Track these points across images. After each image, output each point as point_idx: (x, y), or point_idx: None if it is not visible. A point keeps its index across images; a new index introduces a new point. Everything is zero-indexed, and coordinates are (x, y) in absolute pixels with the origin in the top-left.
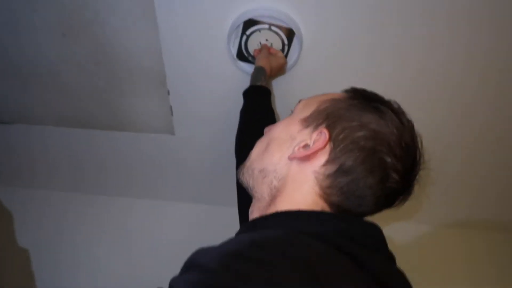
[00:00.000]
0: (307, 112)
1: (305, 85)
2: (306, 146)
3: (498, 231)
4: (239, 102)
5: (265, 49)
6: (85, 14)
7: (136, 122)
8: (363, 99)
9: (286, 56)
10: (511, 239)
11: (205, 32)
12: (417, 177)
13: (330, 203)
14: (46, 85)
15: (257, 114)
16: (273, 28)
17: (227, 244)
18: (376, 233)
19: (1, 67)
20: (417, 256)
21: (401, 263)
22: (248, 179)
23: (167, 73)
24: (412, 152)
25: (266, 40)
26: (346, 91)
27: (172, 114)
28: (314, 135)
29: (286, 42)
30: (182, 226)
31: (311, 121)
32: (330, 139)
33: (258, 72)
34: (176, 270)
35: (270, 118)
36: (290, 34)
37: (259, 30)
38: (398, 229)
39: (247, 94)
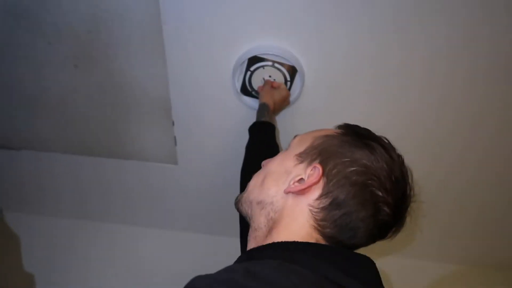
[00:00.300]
0: (302, 148)
1: (306, 119)
2: (301, 180)
3: (493, 268)
4: (242, 134)
5: (268, 84)
6: (97, 47)
7: (141, 151)
8: (355, 136)
9: (289, 90)
10: (505, 276)
11: (211, 67)
12: (408, 209)
13: (324, 235)
14: (56, 113)
15: (261, 149)
16: (276, 65)
17: (223, 272)
18: (368, 266)
19: (14, 97)
20: None
21: None
22: (247, 209)
23: (173, 104)
24: (402, 186)
25: (270, 76)
26: (340, 127)
27: (176, 144)
28: (309, 170)
29: (288, 78)
30: (183, 255)
31: (305, 157)
32: (323, 174)
33: (262, 109)
34: None
35: (274, 152)
36: (292, 71)
37: (263, 66)
38: (393, 263)
39: (251, 130)
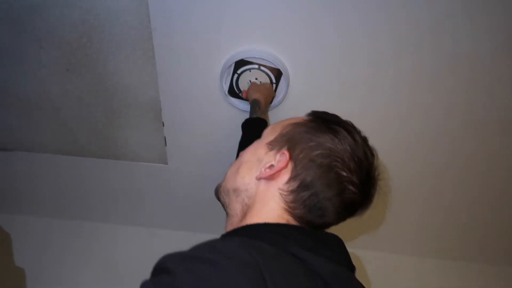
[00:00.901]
0: (272, 136)
1: None
2: (271, 166)
3: (468, 261)
4: (230, 134)
5: (254, 84)
6: (89, 52)
7: (131, 152)
8: (320, 121)
9: (274, 92)
10: (480, 269)
11: (199, 70)
12: (374, 187)
13: (295, 216)
14: (48, 116)
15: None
16: (262, 68)
17: (191, 249)
18: (335, 244)
19: (7, 99)
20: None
21: None
22: (224, 198)
23: (163, 106)
24: (366, 166)
25: (256, 78)
26: (308, 114)
27: (165, 145)
28: (278, 156)
29: (274, 81)
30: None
31: (275, 144)
32: (291, 159)
33: (254, 105)
34: None
35: None
36: (278, 74)
37: (249, 69)
38: (371, 258)
39: (244, 126)
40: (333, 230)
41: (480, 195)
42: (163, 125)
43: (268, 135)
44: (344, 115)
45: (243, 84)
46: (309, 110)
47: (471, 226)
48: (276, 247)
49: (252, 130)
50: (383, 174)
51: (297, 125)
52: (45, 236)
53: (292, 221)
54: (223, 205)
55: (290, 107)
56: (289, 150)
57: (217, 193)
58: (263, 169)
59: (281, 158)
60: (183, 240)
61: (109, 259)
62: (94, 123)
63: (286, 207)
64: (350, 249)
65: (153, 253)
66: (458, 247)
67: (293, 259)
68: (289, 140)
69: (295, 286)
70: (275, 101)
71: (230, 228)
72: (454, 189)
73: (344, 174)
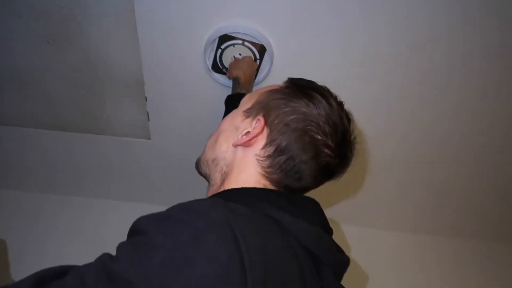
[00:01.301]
0: (249, 104)
1: None
2: (247, 133)
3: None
4: (213, 109)
5: (234, 61)
6: (70, 25)
7: (114, 127)
8: (295, 87)
9: (258, 69)
10: (456, 244)
11: (183, 45)
12: (351, 151)
13: (272, 181)
14: (28, 90)
15: None
16: (246, 43)
17: (164, 211)
18: (311, 206)
19: None
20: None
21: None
22: (205, 169)
23: (146, 81)
24: (341, 129)
25: (240, 54)
26: (285, 82)
27: (149, 120)
28: (254, 123)
29: (258, 56)
30: None
31: (251, 112)
32: (266, 124)
33: (234, 82)
34: None
35: None
36: (262, 49)
37: (233, 45)
38: (353, 232)
39: (226, 102)
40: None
41: (458, 169)
42: (146, 100)
43: (245, 103)
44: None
45: (227, 60)
46: None
47: (450, 201)
48: (251, 207)
49: (233, 105)
50: (359, 137)
51: (272, 92)
52: (28, 210)
53: (270, 186)
54: (205, 177)
55: (274, 83)
56: (264, 116)
57: (198, 166)
58: (239, 136)
59: (256, 125)
60: None
61: (92, 233)
62: (77, 97)
63: (263, 172)
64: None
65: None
66: (436, 222)
67: (267, 219)
68: (265, 107)
69: (267, 244)
70: (259, 77)
71: (209, 195)
72: (433, 164)
73: (319, 137)
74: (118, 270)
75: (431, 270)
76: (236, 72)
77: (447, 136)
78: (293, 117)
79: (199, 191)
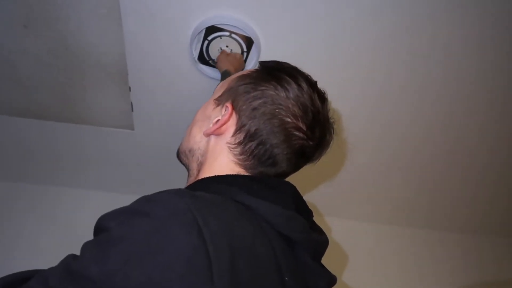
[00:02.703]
0: (220, 92)
1: None
2: (217, 121)
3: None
4: (199, 102)
5: (223, 53)
6: (49, 8)
7: (96, 117)
8: (264, 71)
9: (245, 61)
10: (440, 236)
11: (168, 34)
12: (325, 131)
13: (246, 168)
14: (4, 75)
15: None
16: (233, 35)
17: (127, 205)
18: (285, 188)
19: None
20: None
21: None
22: (185, 159)
23: (129, 70)
24: (312, 111)
25: (227, 46)
26: (257, 66)
27: (132, 110)
28: (223, 111)
29: (245, 49)
30: None
31: (221, 99)
32: (234, 110)
33: (223, 76)
34: None
35: None
36: (249, 42)
37: (220, 36)
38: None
39: None
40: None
41: (450, 163)
42: (130, 90)
43: (217, 91)
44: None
45: (213, 51)
46: None
47: (442, 194)
48: (220, 195)
49: None
50: (333, 117)
51: (242, 77)
52: (4, 200)
53: (244, 173)
54: (186, 168)
55: None
56: (232, 102)
57: (178, 156)
58: (210, 125)
59: (224, 112)
60: None
61: (73, 224)
62: (55, 84)
63: (236, 160)
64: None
65: None
66: (414, 214)
67: (236, 204)
68: (233, 93)
69: (234, 229)
70: (245, 70)
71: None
72: (415, 152)
73: (289, 120)
74: (79, 269)
75: (425, 265)
76: (227, 65)
77: (434, 127)
78: (260, 101)
79: (182, 182)
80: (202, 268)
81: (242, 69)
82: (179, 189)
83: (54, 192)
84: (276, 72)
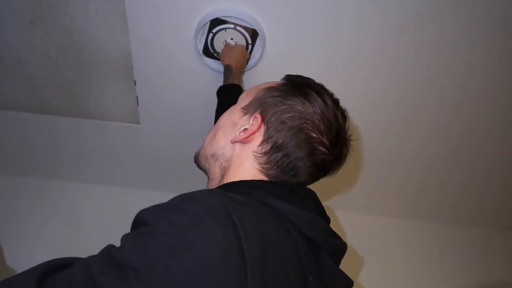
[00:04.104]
0: (247, 101)
1: (266, 80)
2: (245, 130)
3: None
4: (203, 95)
5: (227, 47)
6: (55, 4)
7: (102, 111)
8: (292, 85)
9: (250, 54)
10: (437, 229)
11: (173, 27)
12: (345, 148)
13: (269, 176)
14: (12, 71)
15: None
16: (238, 28)
17: (165, 202)
18: (306, 194)
19: None
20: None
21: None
22: (204, 164)
23: (135, 64)
24: (335, 127)
25: (231, 38)
26: (282, 79)
27: (138, 104)
28: (251, 120)
29: (250, 41)
30: None
31: (249, 108)
32: (263, 122)
33: (226, 71)
34: None
35: None
36: (254, 34)
37: (225, 29)
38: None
39: (219, 93)
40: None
41: (458, 156)
42: (135, 84)
43: (243, 99)
44: (319, 77)
45: (218, 44)
46: (285, 72)
47: (449, 187)
48: (248, 196)
49: (227, 97)
50: (354, 134)
51: (270, 89)
52: (9, 194)
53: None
54: (203, 171)
55: (266, 68)
56: (261, 113)
57: (197, 160)
58: (237, 133)
59: (254, 122)
60: (154, 200)
61: (78, 217)
62: (61, 79)
63: (260, 168)
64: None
65: (124, 212)
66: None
67: (262, 205)
68: (262, 104)
69: (264, 228)
70: (250, 62)
71: None
72: (420, 146)
73: (314, 135)
74: (123, 258)
75: (431, 257)
76: (228, 59)
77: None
78: (289, 115)
79: (189, 177)
80: (237, 263)
81: (247, 61)
82: (213, 189)
83: (59, 186)
84: (304, 88)
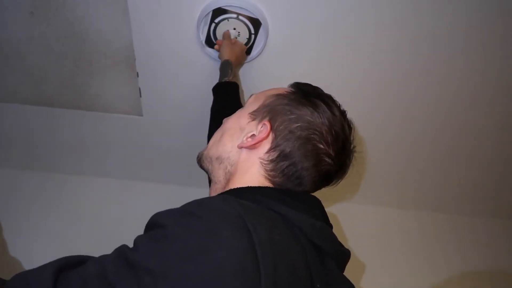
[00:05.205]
0: (255, 106)
1: (269, 71)
2: (253, 136)
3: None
4: (206, 85)
5: (227, 40)
6: None
7: (104, 103)
8: (301, 94)
9: (252, 44)
10: (437, 218)
11: (175, 17)
12: (349, 159)
13: (274, 184)
14: (13, 63)
15: (225, 111)
16: (240, 17)
17: (179, 207)
18: (312, 202)
19: None
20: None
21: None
22: (208, 165)
23: (137, 55)
24: (342, 139)
25: (234, 28)
26: (291, 86)
27: (140, 96)
28: (259, 127)
29: (253, 31)
30: (147, 205)
31: (257, 114)
32: (271, 130)
33: (225, 66)
34: None
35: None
36: (257, 24)
37: (227, 19)
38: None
39: (215, 90)
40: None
41: (458, 144)
42: (138, 76)
43: (251, 104)
44: (321, 67)
45: (221, 34)
46: (287, 62)
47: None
48: (257, 203)
49: (224, 95)
50: (358, 147)
51: (279, 96)
52: (10, 187)
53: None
54: (206, 172)
55: (268, 58)
56: (270, 121)
57: (200, 161)
58: (244, 139)
59: (262, 129)
60: (156, 192)
61: (81, 210)
62: (62, 71)
63: (266, 175)
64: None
65: (126, 204)
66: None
67: (273, 213)
68: (271, 111)
69: (275, 236)
70: (253, 52)
71: (214, 194)
72: (418, 135)
73: (321, 146)
74: (138, 259)
75: (432, 247)
76: (230, 55)
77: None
78: (298, 124)
79: (191, 169)
80: (251, 269)
81: (245, 58)
82: (226, 196)
83: (60, 179)
84: (313, 98)
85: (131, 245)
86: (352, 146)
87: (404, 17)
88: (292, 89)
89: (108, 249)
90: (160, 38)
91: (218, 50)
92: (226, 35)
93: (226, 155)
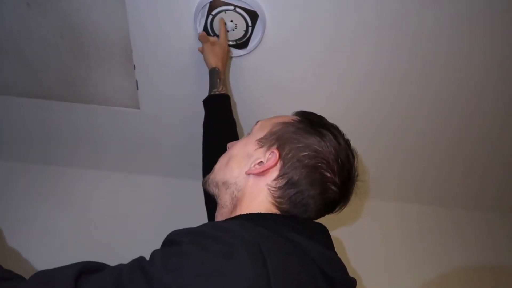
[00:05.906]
0: (262, 133)
1: (265, 64)
2: (260, 163)
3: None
4: (203, 79)
5: (206, 43)
6: None
7: (101, 95)
8: (308, 123)
9: (250, 36)
10: (436, 212)
11: (172, 9)
12: (353, 187)
13: (281, 210)
14: (9, 55)
15: (218, 127)
16: (238, 10)
17: (196, 227)
18: (321, 230)
19: None
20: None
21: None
22: (214, 189)
23: (134, 48)
24: (348, 168)
25: (231, 21)
26: (296, 114)
27: (137, 89)
28: (267, 154)
29: (250, 24)
30: (144, 198)
31: (265, 142)
32: (280, 158)
33: (213, 75)
34: (136, 242)
35: (231, 127)
36: (254, 16)
37: (224, 11)
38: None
39: (206, 105)
40: None
41: (461, 138)
42: (135, 68)
43: (258, 131)
44: (320, 60)
45: (218, 27)
46: (285, 56)
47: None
48: (271, 230)
49: (216, 110)
50: (361, 176)
51: (286, 124)
52: (10, 180)
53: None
54: (212, 196)
55: (266, 51)
56: (278, 149)
57: (206, 184)
58: (252, 165)
59: (270, 156)
60: (153, 185)
61: (80, 204)
62: (59, 64)
63: (273, 202)
64: None
65: (123, 197)
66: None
67: (286, 241)
68: (279, 139)
69: (289, 264)
70: (251, 45)
71: (220, 218)
72: (420, 130)
73: (328, 175)
74: (155, 273)
75: (433, 241)
76: (214, 61)
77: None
78: (305, 153)
79: (189, 162)
80: None
81: (229, 53)
82: (244, 222)
83: (57, 172)
84: (319, 128)
85: (127, 244)
86: (356, 174)
87: (404, 17)
88: (298, 118)
89: (103, 242)
90: (157, 30)
91: (201, 52)
92: (204, 37)
93: (233, 180)
